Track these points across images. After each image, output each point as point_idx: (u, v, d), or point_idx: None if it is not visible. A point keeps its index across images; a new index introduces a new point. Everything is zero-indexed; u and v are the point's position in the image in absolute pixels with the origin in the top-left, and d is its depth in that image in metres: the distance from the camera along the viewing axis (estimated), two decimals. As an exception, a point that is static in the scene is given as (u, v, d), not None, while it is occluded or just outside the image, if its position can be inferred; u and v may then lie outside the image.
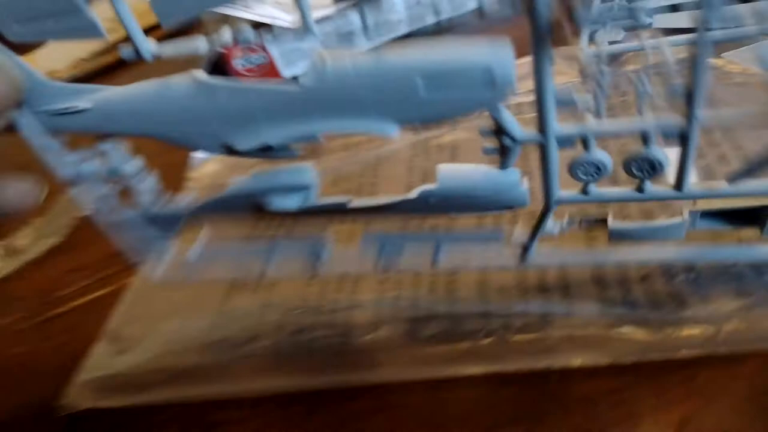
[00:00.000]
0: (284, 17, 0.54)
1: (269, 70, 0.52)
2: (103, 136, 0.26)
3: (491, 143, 0.23)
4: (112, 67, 0.76)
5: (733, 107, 0.20)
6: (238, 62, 0.49)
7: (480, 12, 0.59)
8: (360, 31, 0.56)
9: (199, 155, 0.50)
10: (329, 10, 0.54)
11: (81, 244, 0.49)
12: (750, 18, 0.28)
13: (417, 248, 0.29)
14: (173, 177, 0.50)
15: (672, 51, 0.36)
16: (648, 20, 0.41)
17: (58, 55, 0.79)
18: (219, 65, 0.50)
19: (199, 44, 0.26)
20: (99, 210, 0.28)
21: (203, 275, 0.31)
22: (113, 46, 0.75)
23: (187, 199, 0.28)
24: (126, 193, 0.28)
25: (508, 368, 0.28)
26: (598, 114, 0.23)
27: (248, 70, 0.50)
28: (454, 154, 0.43)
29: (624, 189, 0.24)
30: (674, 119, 0.21)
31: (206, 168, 0.50)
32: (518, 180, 0.24)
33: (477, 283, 0.32)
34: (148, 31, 0.69)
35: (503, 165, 0.24)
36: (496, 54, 0.20)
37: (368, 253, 0.30)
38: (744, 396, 0.25)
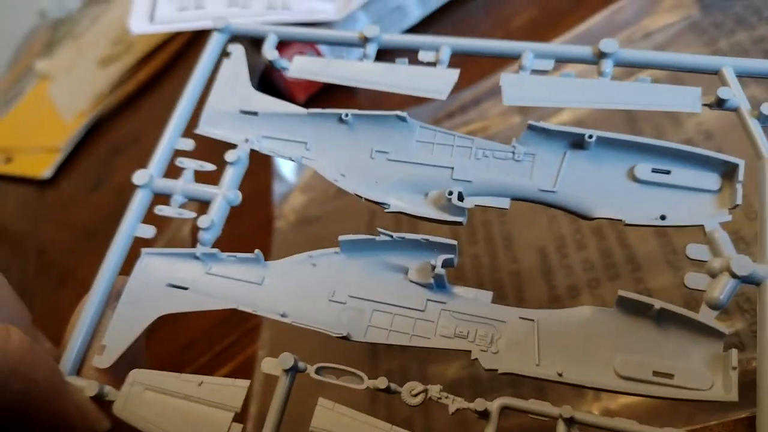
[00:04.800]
0: (326, 9, 0.49)
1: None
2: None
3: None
4: (135, 96, 0.71)
5: None
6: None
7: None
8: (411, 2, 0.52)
9: (278, 189, 0.47)
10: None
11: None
12: None
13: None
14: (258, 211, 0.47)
15: None
16: None
17: (76, 93, 0.74)
18: (267, 75, 0.46)
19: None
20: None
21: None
22: (131, 73, 0.71)
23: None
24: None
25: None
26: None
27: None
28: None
29: None
30: None
31: (292, 201, 0.47)
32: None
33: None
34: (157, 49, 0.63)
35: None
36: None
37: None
38: None
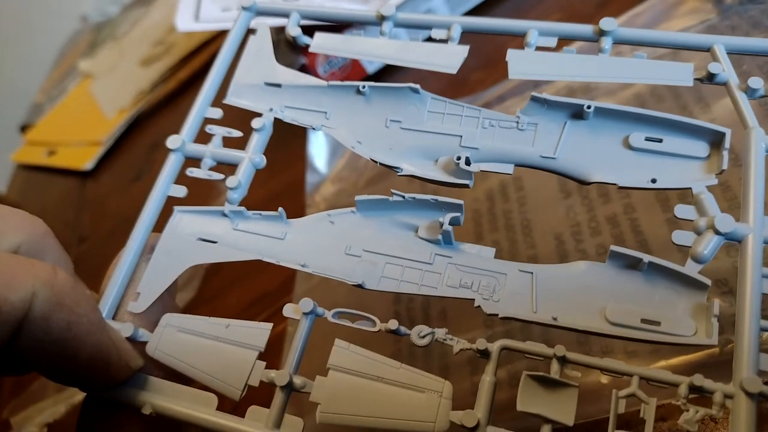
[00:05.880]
0: (360, 9, 0.51)
1: (352, 69, 0.50)
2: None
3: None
4: (175, 94, 0.74)
5: None
6: (320, 68, 0.48)
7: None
8: (440, 5, 0.54)
9: (311, 179, 0.50)
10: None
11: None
12: None
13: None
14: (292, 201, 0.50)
15: None
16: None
17: (117, 91, 0.77)
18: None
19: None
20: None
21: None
22: (171, 73, 0.74)
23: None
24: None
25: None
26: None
27: (332, 74, 0.49)
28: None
29: None
30: None
31: (323, 191, 0.50)
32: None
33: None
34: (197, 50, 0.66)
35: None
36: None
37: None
38: None
